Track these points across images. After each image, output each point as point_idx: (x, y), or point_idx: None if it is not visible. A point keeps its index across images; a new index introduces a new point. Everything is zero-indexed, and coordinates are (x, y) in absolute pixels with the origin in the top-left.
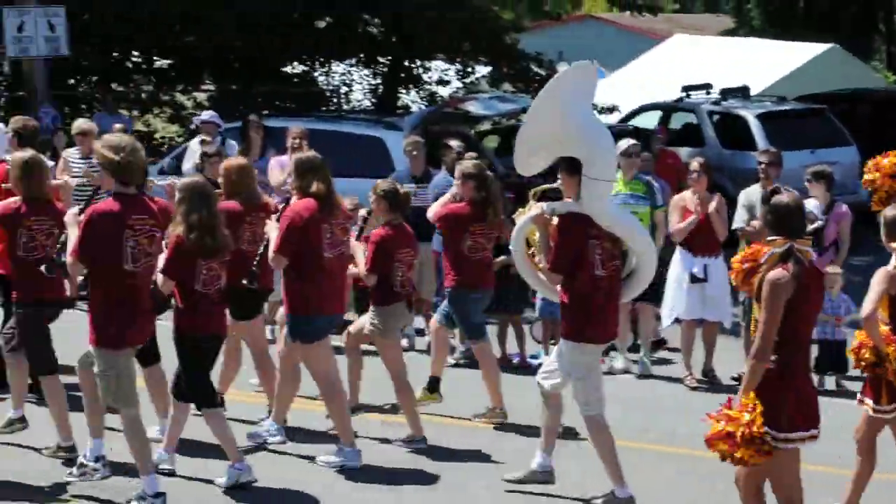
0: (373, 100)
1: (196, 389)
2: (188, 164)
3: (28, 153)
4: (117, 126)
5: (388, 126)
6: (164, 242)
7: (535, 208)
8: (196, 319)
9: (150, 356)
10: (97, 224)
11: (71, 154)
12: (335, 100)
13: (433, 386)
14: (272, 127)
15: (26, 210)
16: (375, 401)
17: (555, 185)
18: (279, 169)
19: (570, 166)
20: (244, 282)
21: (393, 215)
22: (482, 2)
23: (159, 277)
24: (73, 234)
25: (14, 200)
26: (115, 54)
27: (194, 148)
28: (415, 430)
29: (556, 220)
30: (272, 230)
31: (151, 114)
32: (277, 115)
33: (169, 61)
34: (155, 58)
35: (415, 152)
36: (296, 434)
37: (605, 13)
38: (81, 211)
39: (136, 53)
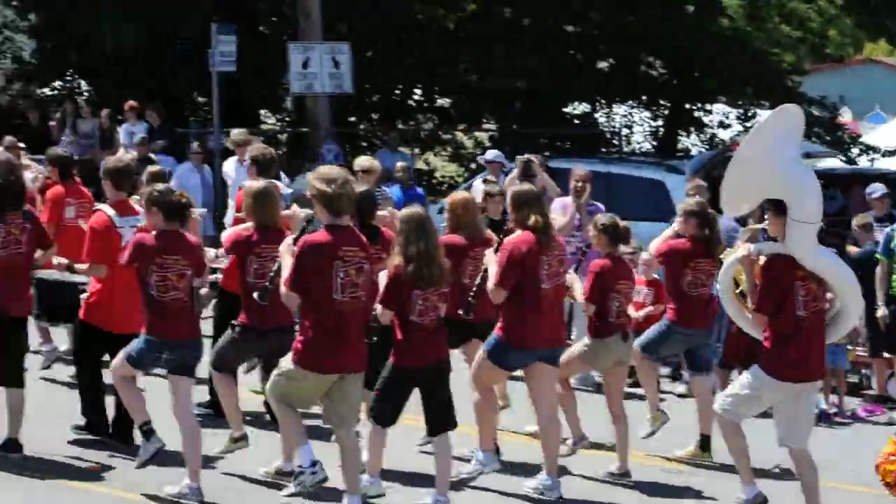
0: (653, 142)
1: (383, 410)
2: None
3: (262, 182)
4: (400, 164)
5: (669, 169)
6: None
7: (741, 248)
8: (411, 350)
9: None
10: (309, 255)
11: None
12: (616, 141)
13: (705, 444)
14: (554, 168)
15: (257, 238)
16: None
17: (761, 225)
18: (561, 210)
19: (777, 208)
20: (460, 312)
21: (613, 248)
22: (764, 45)
23: (378, 307)
24: (286, 263)
25: (246, 227)
26: (397, 92)
27: (478, 187)
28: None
29: (762, 260)
30: (490, 262)
31: (432, 152)
32: (560, 156)
33: (450, 100)
34: (436, 96)
35: (697, 196)
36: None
37: (886, 57)
38: (296, 240)
39: (418, 92)
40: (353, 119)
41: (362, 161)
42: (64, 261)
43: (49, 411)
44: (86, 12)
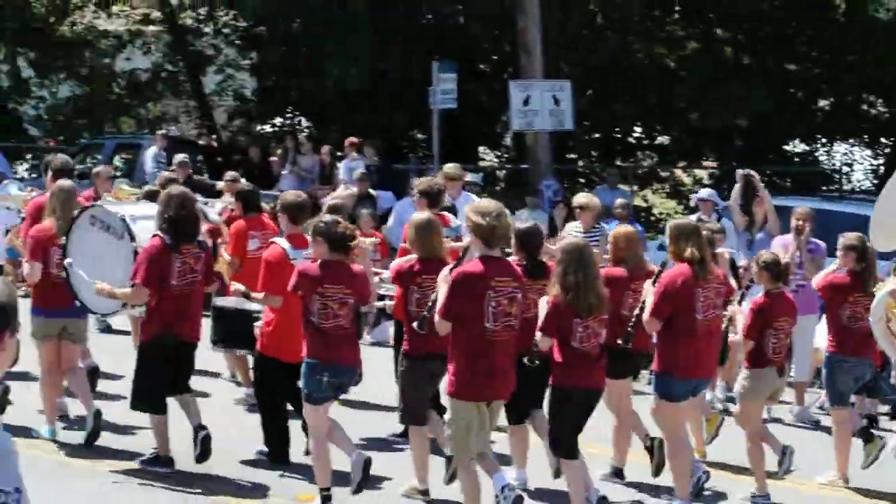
0: (874, 181)
1: (560, 440)
2: None
3: (425, 214)
4: (619, 201)
5: None
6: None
7: (892, 282)
8: (572, 374)
9: (520, 414)
10: (462, 284)
11: (572, 228)
12: (836, 179)
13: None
14: (775, 206)
15: (419, 268)
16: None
17: None
18: (781, 249)
19: None
20: (619, 341)
21: (774, 285)
22: None
23: (538, 335)
24: (442, 293)
25: (410, 259)
26: (617, 129)
27: None
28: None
29: None
30: (648, 293)
31: (650, 189)
32: (780, 194)
33: (670, 137)
34: (656, 134)
35: None
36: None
37: None
38: (452, 270)
39: (638, 129)
40: (572, 156)
41: (580, 198)
42: (241, 287)
43: (232, 433)
44: (309, 52)
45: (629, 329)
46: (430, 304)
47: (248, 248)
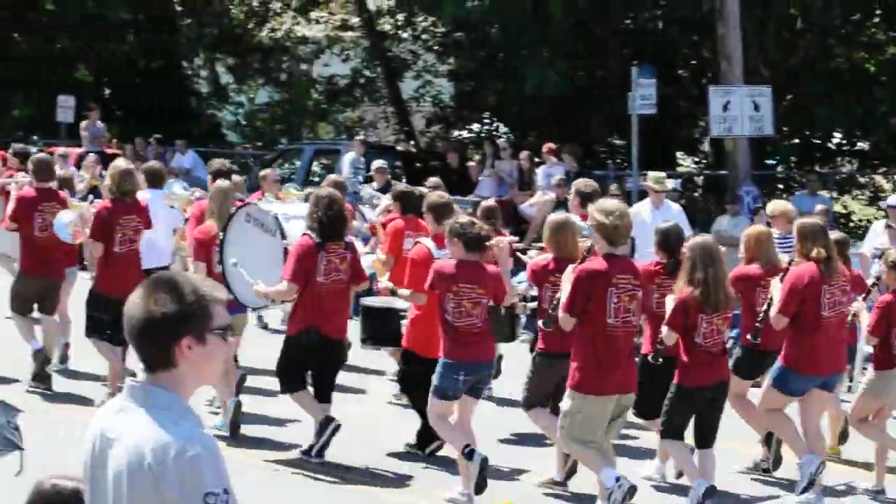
0: None
1: (669, 431)
2: (866, 245)
3: (560, 215)
4: (819, 207)
5: None
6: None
7: None
8: (694, 370)
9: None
10: (585, 281)
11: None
12: None
13: None
14: None
15: (553, 267)
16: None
17: None
18: None
19: None
20: (748, 336)
21: None
22: None
23: (663, 329)
24: (566, 290)
25: (545, 258)
26: (817, 134)
27: (877, 230)
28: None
29: None
30: (775, 290)
31: (849, 195)
32: None
33: (869, 143)
34: (856, 140)
35: None
36: None
37: None
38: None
39: (838, 135)
40: (771, 162)
41: (772, 205)
42: (389, 285)
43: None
44: (507, 57)
45: (757, 324)
46: (555, 302)
47: (403, 248)
